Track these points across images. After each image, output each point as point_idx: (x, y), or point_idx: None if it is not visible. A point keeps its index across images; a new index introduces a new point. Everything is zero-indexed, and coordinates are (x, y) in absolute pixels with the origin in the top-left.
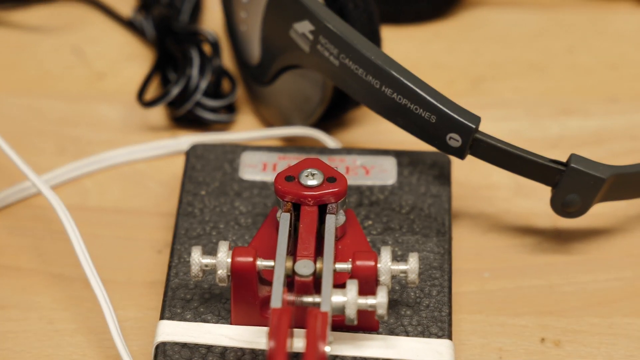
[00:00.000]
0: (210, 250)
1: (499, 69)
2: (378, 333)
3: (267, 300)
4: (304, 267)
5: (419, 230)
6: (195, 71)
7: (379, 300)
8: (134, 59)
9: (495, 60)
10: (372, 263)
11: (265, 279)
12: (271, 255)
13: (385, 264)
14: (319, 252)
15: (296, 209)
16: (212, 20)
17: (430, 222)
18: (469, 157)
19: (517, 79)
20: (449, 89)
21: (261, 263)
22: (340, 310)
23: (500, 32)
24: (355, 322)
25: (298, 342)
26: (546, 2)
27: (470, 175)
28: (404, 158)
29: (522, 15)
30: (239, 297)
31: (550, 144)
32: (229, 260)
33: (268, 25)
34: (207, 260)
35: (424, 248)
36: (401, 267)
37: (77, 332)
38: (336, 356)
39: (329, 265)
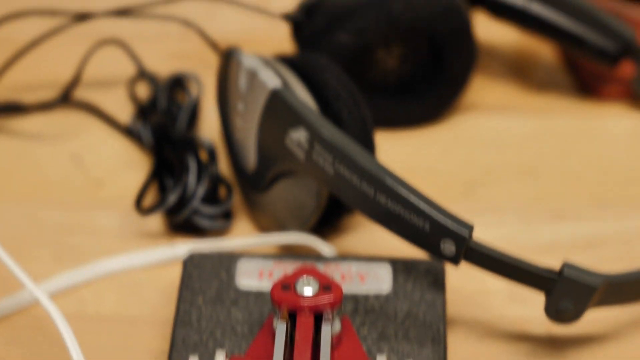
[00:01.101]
0: (208, 359)
1: (492, 174)
2: None
3: None
4: None
5: (414, 337)
6: (192, 178)
7: None
8: (132, 166)
9: (487, 165)
10: None
11: None
12: None
13: None
14: None
15: (292, 317)
16: (209, 127)
17: (425, 330)
18: (463, 263)
19: (510, 184)
20: (443, 194)
21: None
22: None
23: (492, 137)
24: None
25: None
26: (537, 108)
27: (464, 280)
28: (398, 265)
29: (513, 120)
30: None
31: (543, 249)
32: None
33: (264, 134)
34: None
35: (419, 356)
36: None
37: None
38: None
39: None
